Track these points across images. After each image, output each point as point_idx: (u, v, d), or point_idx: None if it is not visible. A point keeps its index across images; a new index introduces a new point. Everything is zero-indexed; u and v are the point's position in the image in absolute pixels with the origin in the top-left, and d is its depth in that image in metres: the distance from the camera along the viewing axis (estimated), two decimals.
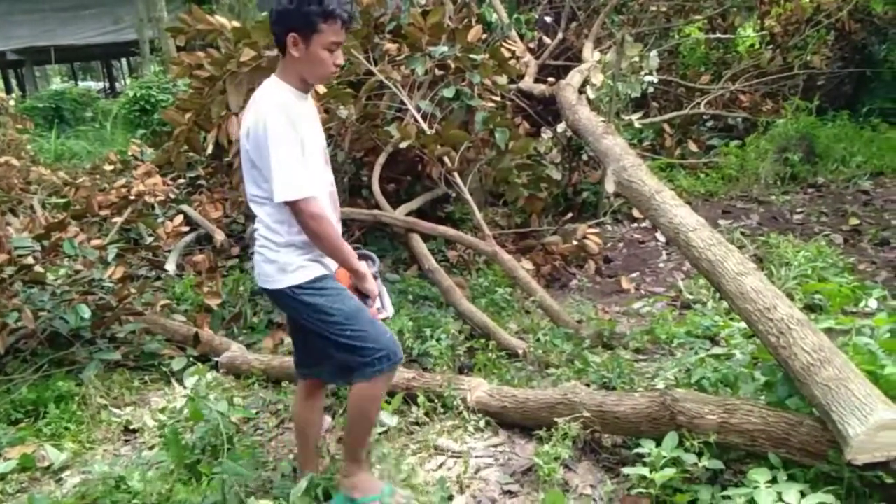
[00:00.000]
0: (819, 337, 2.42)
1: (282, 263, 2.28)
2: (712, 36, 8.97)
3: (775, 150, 6.76)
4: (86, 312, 3.77)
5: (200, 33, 5.20)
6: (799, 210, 5.91)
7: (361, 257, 2.51)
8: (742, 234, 5.30)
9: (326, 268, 2.34)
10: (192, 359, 3.98)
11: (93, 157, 9.29)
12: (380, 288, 2.52)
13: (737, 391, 2.72)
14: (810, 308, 3.82)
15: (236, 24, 5.23)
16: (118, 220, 5.37)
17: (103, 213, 5.67)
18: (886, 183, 6.33)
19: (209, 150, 5.34)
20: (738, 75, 8.30)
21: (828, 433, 2.20)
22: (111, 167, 7.10)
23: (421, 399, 3.11)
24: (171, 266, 4.96)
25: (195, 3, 10.43)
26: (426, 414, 3.10)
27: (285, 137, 2.13)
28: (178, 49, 10.04)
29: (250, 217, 5.72)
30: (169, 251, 5.24)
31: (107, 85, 23.74)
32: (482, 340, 3.72)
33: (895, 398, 2.28)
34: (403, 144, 4.31)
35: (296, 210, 2.16)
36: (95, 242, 5.12)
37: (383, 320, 2.50)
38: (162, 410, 3.42)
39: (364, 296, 2.43)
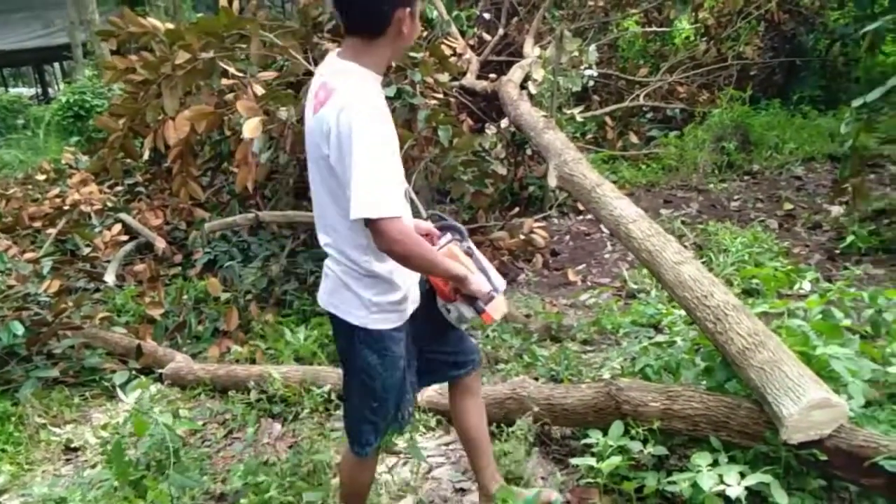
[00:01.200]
0: (753, 321, 2.50)
1: (364, 298, 1.91)
2: (649, 29, 9.15)
3: (712, 140, 6.95)
4: (19, 329, 3.64)
5: (133, 36, 5.05)
6: (736, 197, 6.09)
7: (444, 229, 2.21)
8: (683, 222, 5.43)
9: (402, 317, 2.00)
10: (134, 372, 3.88)
11: (25, 166, 8.96)
12: (481, 264, 2.15)
13: (679, 377, 2.79)
14: (748, 292, 3.93)
15: (170, 25, 5.10)
16: (53, 231, 5.19)
17: (36, 224, 5.47)
18: (817, 168, 6.57)
19: (146, 155, 5.20)
20: (674, 67, 8.50)
21: (765, 415, 2.28)
22: (44, 176, 6.86)
23: None
24: (110, 277, 4.82)
25: (128, 5, 10.13)
26: None
27: (374, 141, 1.73)
28: (112, 53, 9.74)
29: (191, 224, 5.63)
30: (108, 262, 5.09)
31: (39, 91, 22.88)
32: None
33: (827, 377, 2.37)
34: None
35: (380, 232, 1.74)
36: (29, 255, 4.95)
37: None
38: (104, 427, 3.32)
39: (471, 298, 2.04)
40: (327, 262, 1.97)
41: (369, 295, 1.90)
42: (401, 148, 4.61)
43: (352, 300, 1.91)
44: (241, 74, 4.55)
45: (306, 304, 4.44)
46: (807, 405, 2.09)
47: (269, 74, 5.04)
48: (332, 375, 3.30)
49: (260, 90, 4.42)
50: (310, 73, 4.78)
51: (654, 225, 3.20)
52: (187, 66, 4.56)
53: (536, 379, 3.22)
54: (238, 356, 3.89)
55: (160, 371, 3.85)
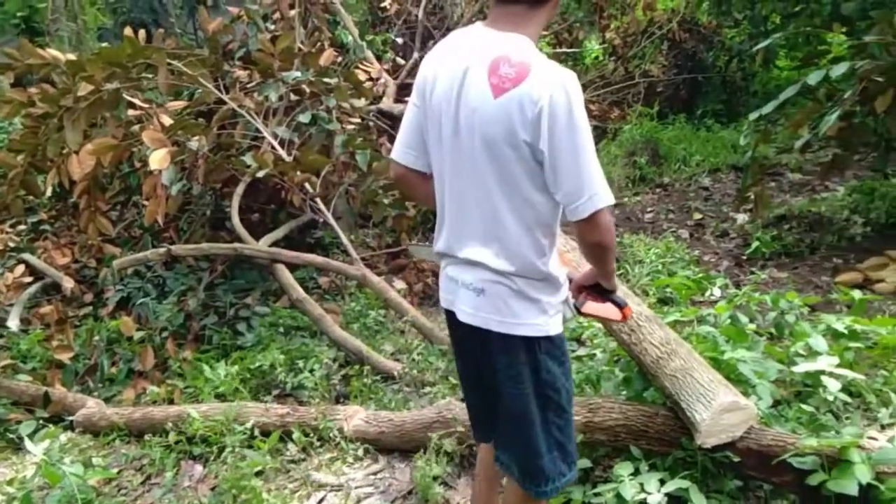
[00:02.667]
0: (665, 331, 2.59)
1: (544, 303, 1.70)
2: (560, 50, 9.43)
3: (624, 155, 7.20)
4: None
5: (32, 68, 4.83)
6: (649, 209, 6.31)
7: None
8: None
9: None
10: (42, 421, 3.65)
11: None
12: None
13: (599, 389, 2.84)
14: (663, 301, 4.07)
15: (72, 56, 4.91)
16: None
17: None
18: (722, 178, 6.89)
19: (48, 192, 4.95)
20: (586, 86, 8.77)
21: (680, 421, 2.35)
22: None
23: (297, 435, 3.03)
24: (13, 322, 4.53)
25: (28, 35, 9.69)
26: (303, 449, 3.02)
27: (588, 126, 1.54)
28: (12, 86, 9.29)
29: (101, 260, 5.39)
30: (11, 305, 4.79)
31: None
32: (357, 366, 3.67)
33: (735, 380, 2.47)
34: (261, 173, 4.20)
35: (597, 223, 1.57)
36: None
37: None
38: (10, 482, 3.11)
39: (605, 296, 1.90)
40: (476, 275, 1.70)
41: (547, 297, 1.71)
42: (318, 174, 4.60)
43: (528, 309, 1.69)
44: (146, 105, 4.41)
45: (226, 339, 4.32)
46: (718, 409, 2.17)
47: (179, 104, 4.91)
48: (255, 411, 3.20)
49: (168, 120, 4.30)
50: (221, 102, 4.69)
51: (570, 241, 3.28)
52: (91, 98, 4.40)
53: (462, 400, 3.22)
54: (155, 397, 3.73)
55: (70, 418, 3.64)
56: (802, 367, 2.54)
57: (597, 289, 1.92)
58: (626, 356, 2.76)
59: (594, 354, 3.16)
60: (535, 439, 1.77)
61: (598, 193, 1.54)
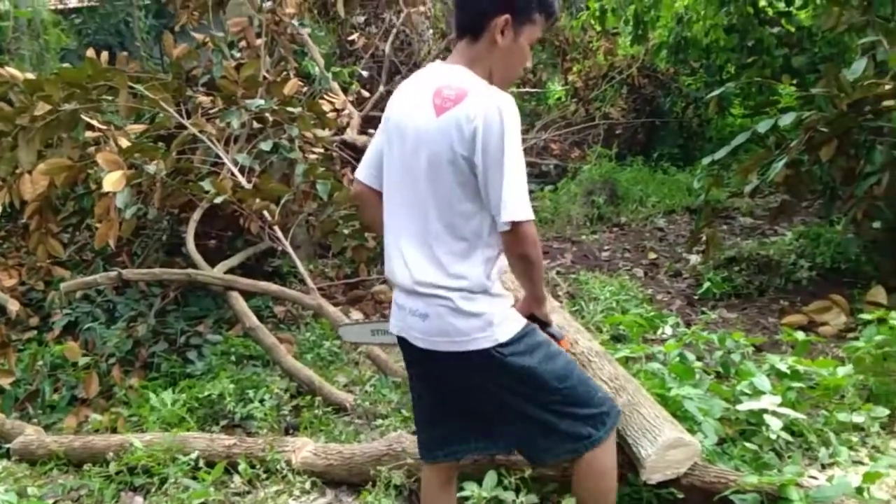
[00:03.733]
0: (615, 367, 2.63)
1: (487, 315, 1.77)
2: (524, 90, 9.64)
3: (583, 194, 7.34)
4: None
5: None
6: (606, 247, 6.43)
7: None
8: (558, 272, 5.66)
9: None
10: None
11: None
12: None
13: None
14: (616, 338, 4.12)
15: (30, 76, 4.84)
16: None
17: None
18: (677, 219, 7.07)
19: None
20: (548, 125, 8.98)
21: (627, 457, 2.37)
22: None
23: (243, 467, 2.96)
24: None
25: None
26: (249, 482, 2.95)
27: (519, 144, 1.69)
28: None
29: (50, 283, 5.25)
30: None
31: None
32: (308, 397, 3.63)
33: (681, 417, 2.51)
34: (218, 199, 4.17)
35: (520, 235, 1.69)
36: None
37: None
38: None
39: (542, 323, 1.96)
40: (420, 301, 1.79)
41: (493, 307, 1.79)
42: (277, 202, 4.58)
43: (479, 326, 1.77)
44: (104, 127, 4.36)
45: (176, 367, 4.23)
46: (663, 445, 2.20)
47: (139, 127, 4.87)
48: (200, 441, 3.13)
49: (125, 143, 4.25)
50: (182, 127, 4.67)
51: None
52: (47, 118, 4.34)
53: (413, 433, 3.20)
54: (97, 426, 3.62)
55: (7, 446, 3.51)
56: (746, 405, 2.59)
57: (532, 321, 1.95)
58: None
59: None
60: (544, 423, 1.88)
61: (520, 207, 1.67)
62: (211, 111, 4.91)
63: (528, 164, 7.42)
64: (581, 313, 4.63)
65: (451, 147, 1.70)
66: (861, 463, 2.64)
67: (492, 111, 1.67)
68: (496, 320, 1.79)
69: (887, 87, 3.82)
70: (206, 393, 3.74)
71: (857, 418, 2.78)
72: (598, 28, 7.77)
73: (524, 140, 8.57)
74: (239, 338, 4.48)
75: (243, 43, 5.29)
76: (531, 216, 1.70)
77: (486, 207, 1.73)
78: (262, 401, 3.60)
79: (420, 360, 1.91)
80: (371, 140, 1.99)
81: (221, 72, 4.87)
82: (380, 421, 3.38)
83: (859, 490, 2.28)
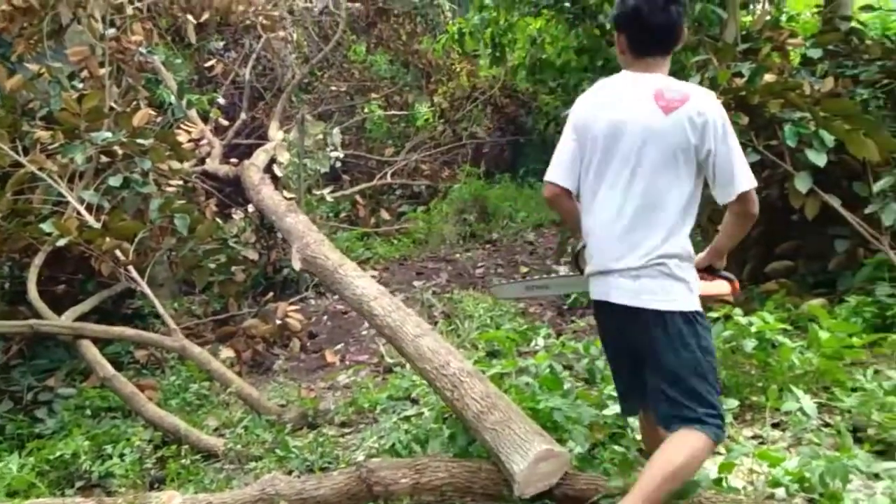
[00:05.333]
0: (486, 385, 2.65)
1: (690, 282, 2.10)
2: (391, 112, 9.71)
3: (455, 213, 7.47)
4: None
5: None
6: (480, 264, 6.55)
7: None
8: (433, 292, 5.68)
9: None
10: None
11: None
12: None
13: (427, 449, 2.83)
14: (491, 354, 4.17)
15: None
16: None
17: None
18: (545, 233, 7.33)
19: None
20: (418, 146, 9.08)
21: (502, 474, 2.39)
22: None
23: None
24: None
25: None
26: None
27: (734, 132, 2.12)
28: None
29: None
30: None
31: None
32: (174, 446, 3.40)
33: (552, 428, 2.57)
34: (62, 242, 3.86)
35: (750, 198, 2.08)
36: None
37: None
38: None
39: (715, 274, 2.29)
40: (644, 268, 2.06)
41: (692, 277, 2.12)
42: (132, 240, 4.31)
43: (682, 290, 2.08)
44: None
45: (23, 427, 3.85)
46: (534, 459, 2.23)
47: None
48: None
49: None
50: (19, 164, 4.31)
51: (395, 300, 3.31)
52: None
53: (290, 473, 3.07)
54: None
55: None
56: (610, 410, 2.69)
57: (707, 270, 2.26)
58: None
59: (422, 413, 3.16)
60: (706, 393, 2.09)
61: (749, 176, 2.08)
62: (51, 146, 4.56)
63: (400, 186, 7.49)
64: (457, 332, 4.68)
65: (686, 137, 2.05)
66: (718, 453, 2.80)
67: (714, 107, 2.08)
68: (693, 288, 2.12)
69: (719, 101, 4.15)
70: (57, 453, 3.43)
71: None
72: (459, 51, 7.96)
73: (395, 161, 8.64)
74: (95, 389, 4.15)
75: (85, 73, 4.95)
76: (755, 183, 2.09)
77: (698, 184, 2.12)
78: (122, 455, 3.34)
79: (618, 319, 2.17)
80: (561, 146, 2.26)
81: (60, 104, 4.53)
82: (253, 464, 3.23)
83: (717, 480, 2.42)
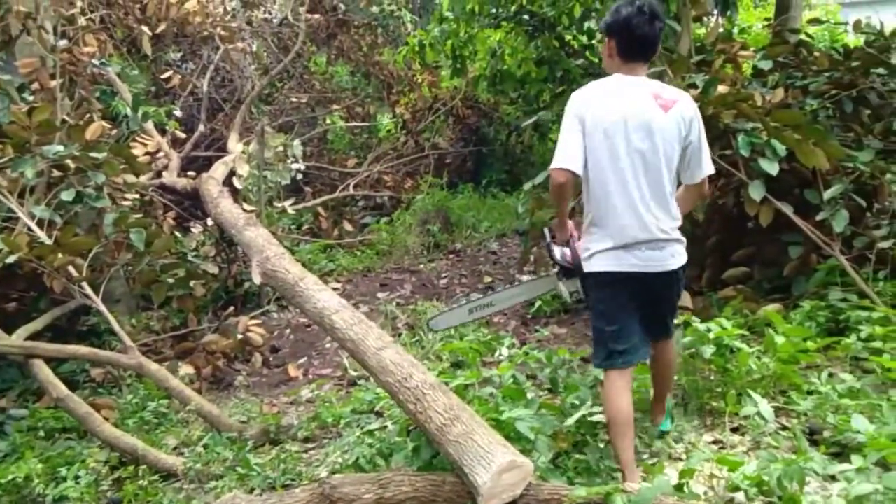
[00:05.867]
0: (449, 397, 2.64)
1: (685, 245, 2.65)
2: (353, 123, 9.67)
3: (418, 223, 7.45)
4: None
5: None
6: (444, 275, 6.54)
7: None
8: (397, 304, 5.66)
9: None
10: None
11: None
12: None
13: (390, 462, 2.81)
14: (456, 365, 4.17)
15: None
16: None
17: None
18: (508, 242, 7.36)
19: None
20: (380, 157, 9.05)
21: (466, 486, 2.37)
22: None
23: None
24: None
25: None
26: None
27: None
28: None
29: None
30: None
31: None
32: (132, 467, 3.31)
33: (515, 439, 2.57)
34: (12, 259, 3.74)
35: (707, 182, 2.73)
36: None
37: None
38: None
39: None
40: (661, 236, 2.54)
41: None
42: (86, 255, 4.19)
43: (681, 250, 2.63)
44: None
45: None
46: (497, 470, 2.23)
47: None
48: None
49: None
50: None
51: (357, 313, 3.27)
52: None
53: (252, 491, 3.02)
54: None
55: None
56: (572, 418, 2.70)
57: None
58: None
59: (386, 426, 3.13)
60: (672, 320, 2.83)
61: (711, 165, 2.68)
62: (0, 161, 4.42)
63: (364, 197, 7.44)
64: (421, 343, 4.66)
65: (680, 131, 2.53)
66: (680, 459, 2.84)
67: (695, 105, 2.63)
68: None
69: None
70: (9, 476, 3.30)
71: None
72: (420, 62, 7.99)
73: (358, 172, 8.60)
74: (49, 409, 4.02)
75: (36, 85, 4.82)
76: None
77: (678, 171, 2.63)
78: (77, 478, 3.25)
79: (641, 281, 2.57)
80: (567, 136, 2.55)
81: (9, 117, 4.40)
82: (213, 483, 3.16)
83: (679, 486, 2.45)
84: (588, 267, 2.62)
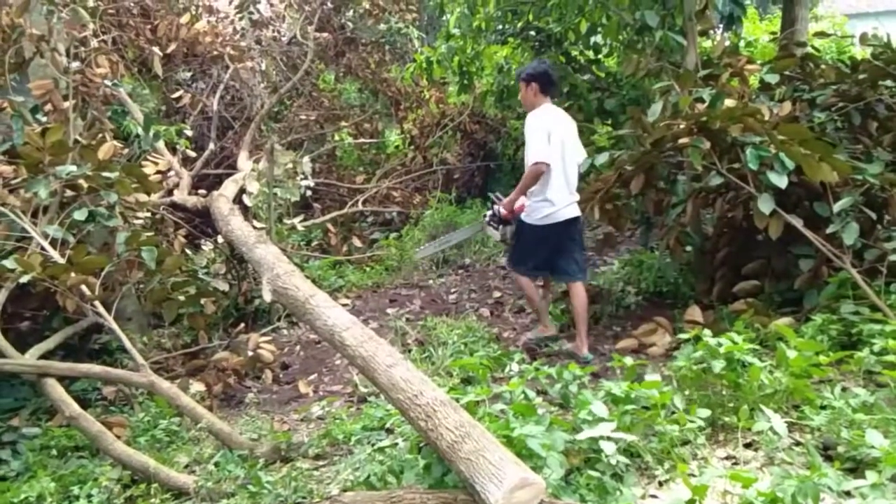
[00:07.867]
0: (460, 414, 2.64)
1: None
2: (361, 140, 9.73)
3: (427, 239, 7.47)
4: None
5: None
6: (453, 290, 6.54)
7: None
8: (407, 319, 5.67)
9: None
10: None
11: None
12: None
13: (401, 480, 2.80)
14: (466, 381, 4.16)
15: None
16: None
17: None
18: None
19: None
20: (389, 173, 9.10)
21: None
22: None
23: None
24: None
25: None
26: None
27: None
28: None
29: None
30: None
31: None
32: (144, 485, 3.32)
33: (526, 456, 2.56)
34: (25, 278, 3.78)
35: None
36: None
37: None
38: None
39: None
40: (577, 198, 4.71)
41: None
42: (98, 274, 4.23)
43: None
44: None
45: None
46: (509, 488, 2.22)
47: None
48: None
49: None
50: None
51: (367, 330, 3.29)
52: None
53: None
54: None
55: None
56: (584, 434, 2.69)
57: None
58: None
59: (397, 443, 3.13)
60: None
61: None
62: (13, 181, 4.48)
63: (372, 213, 7.50)
64: (431, 359, 4.66)
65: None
66: (693, 475, 2.81)
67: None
68: None
69: (682, 126, 4.24)
70: (22, 496, 3.33)
71: (687, 433, 2.98)
72: (427, 79, 8.04)
73: (367, 188, 8.65)
74: (62, 428, 4.05)
75: (49, 107, 4.89)
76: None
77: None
78: (89, 496, 3.27)
79: (566, 225, 4.61)
80: (541, 138, 4.48)
81: (23, 138, 4.47)
82: (225, 500, 3.16)
83: (691, 502, 2.43)
84: (534, 221, 4.62)
